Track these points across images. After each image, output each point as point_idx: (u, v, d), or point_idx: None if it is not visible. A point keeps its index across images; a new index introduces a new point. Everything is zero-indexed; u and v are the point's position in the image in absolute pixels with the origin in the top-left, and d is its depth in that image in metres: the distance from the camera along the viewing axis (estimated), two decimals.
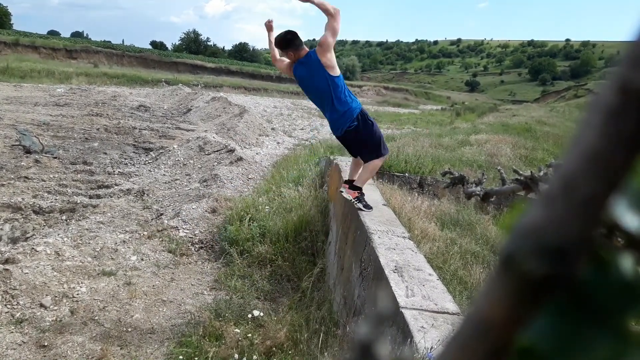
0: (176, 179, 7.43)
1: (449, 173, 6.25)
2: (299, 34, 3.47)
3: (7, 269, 3.75)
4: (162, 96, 20.62)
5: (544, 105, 45.31)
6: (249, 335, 3.24)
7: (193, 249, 4.93)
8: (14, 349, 3.11)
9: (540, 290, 0.21)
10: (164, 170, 7.94)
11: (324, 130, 16.29)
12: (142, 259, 4.59)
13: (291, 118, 19.12)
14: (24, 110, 12.51)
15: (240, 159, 8.00)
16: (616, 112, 0.20)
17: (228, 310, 3.60)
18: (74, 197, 6.17)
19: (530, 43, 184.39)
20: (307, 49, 3.45)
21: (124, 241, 4.91)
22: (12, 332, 3.26)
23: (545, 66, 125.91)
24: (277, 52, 3.56)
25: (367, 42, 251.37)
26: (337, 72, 3.35)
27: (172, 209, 5.87)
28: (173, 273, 4.40)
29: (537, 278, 0.20)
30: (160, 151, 9.10)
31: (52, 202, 5.86)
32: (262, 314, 3.57)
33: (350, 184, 3.63)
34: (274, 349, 3.09)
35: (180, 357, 3.11)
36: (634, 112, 0.19)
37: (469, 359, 0.22)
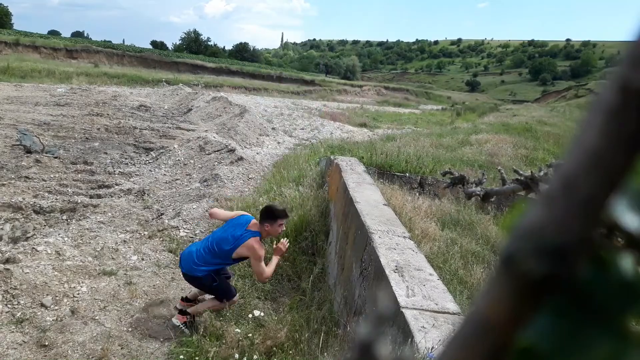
0: (177, 179, 7.43)
1: (449, 173, 6.25)
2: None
3: (7, 269, 3.75)
4: (163, 96, 20.63)
5: (545, 105, 45.30)
6: (250, 335, 3.24)
7: None
8: (15, 348, 3.12)
9: (540, 290, 0.21)
10: (165, 170, 7.95)
11: (324, 130, 16.30)
12: (143, 259, 4.59)
13: (291, 118, 19.12)
14: (24, 110, 12.52)
15: (240, 158, 8.00)
16: (616, 112, 0.20)
17: (229, 310, 3.60)
18: (75, 196, 6.17)
19: (531, 43, 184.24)
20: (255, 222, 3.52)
21: (125, 241, 4.91)
22: (13, 331, 3.26)
23: (546, 66, 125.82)
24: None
25: (367, 42, 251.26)
26: (260, 278, 3.49)
27: (173, 209, 5.87)
28: (174, 273, 4.40)
29: (537, 278, 0.21)
30: (161, 151, 9.10)
31: (52, 201, 5.86)
32: (262, 313, 3.57)
33: (184, 308, 3.61)
34: (275, 348, 3.09)
35: (181, 356, 3.11)
36: (634, 112, 0.19)
37: (470, 359, 0.22)
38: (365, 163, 6.08)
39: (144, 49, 51.93)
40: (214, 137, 9.55)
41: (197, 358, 3.06)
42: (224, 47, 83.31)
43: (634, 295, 0.22)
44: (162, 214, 5.74)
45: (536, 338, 0.22)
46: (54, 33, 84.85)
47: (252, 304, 3.79)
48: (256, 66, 56.32)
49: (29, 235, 4.96)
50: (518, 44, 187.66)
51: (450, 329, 1.97)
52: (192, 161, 8.30)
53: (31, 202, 5.69)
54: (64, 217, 5.58)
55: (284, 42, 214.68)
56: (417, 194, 5.92)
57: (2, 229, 4.96)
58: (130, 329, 3.47)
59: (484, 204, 5.66)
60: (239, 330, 3.30)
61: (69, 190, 6.46)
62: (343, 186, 4.32)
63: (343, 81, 61.66)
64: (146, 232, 5.18)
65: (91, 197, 6.35)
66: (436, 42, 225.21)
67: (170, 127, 12.44)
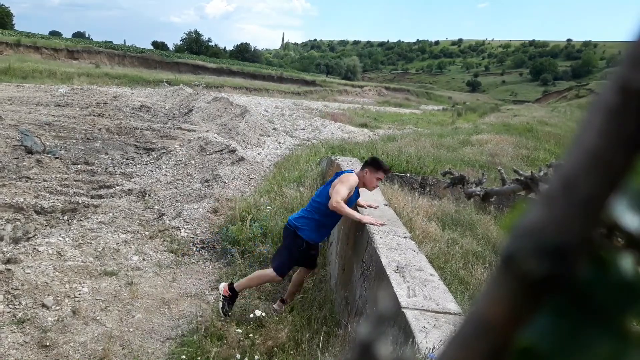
0: (178, 179, 7.43)
1: (449, 173, 6.25)
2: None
3: (9, 269, 3.75)
4: (164, 96, 20.64)
5: (546, 106, 45.24)
6: (251, 335, 3.24)
7: (194, 249, 4.93)
8: (16, 348, 3.12)
9: (540, 290, 0.21)
10: (166, 171, 7.95)
11: (325, 130, 16.29)
12: (144, 259, 4.60)
13: (292, 118, 19.12)
14: (25, 111, 12.54)
15: (241, 159, 8.01)
16: (616, 112, 0.20)
17: (230, 310, 3.60)
18: (76, 197, 6.18)
19: (532, 43, 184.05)
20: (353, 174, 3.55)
21: (126, 241, 4.92)
22: (14, 332, 3.27)
23: (547, 66, 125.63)
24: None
25: (368, 42, 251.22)
26: (330, 202, 3.38)
27: (174, 209, 5.87)
28: (174, 273, 4.41)
29: (537, 278, 0.21)
30: (162, 151, 9.11)
31: (53, 202, 5.87)
32: (263, 314, 3.57)
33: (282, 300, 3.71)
34: (276, 349, 3.09)
35: (183, 356, 3.11)
36: (634, 112, 0.19)
37: (470, 359, 0.22)
38: None
39: (145, 50, 51.96)
40: (215, 137, 9.56)
41: (198, 358, 3.06)
42: (225, 47, 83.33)
43: (634, 295, 0.22)
44: (163, 215, 5.74)
45: (536, 338, 0.22)
46: (55, 34, 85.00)
47: (253, 304, 3.79)
48: (257, 66, 56.34)
49: (30, 235, 4.96)
50: (519, 44, 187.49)
51: (451, 330, 1.96)
52: (193, 161, 8.31)
53: (32, 203, 5.69)
54: (65, 218, 5.59)
55: (284, 42, 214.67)
56: (418, 194, 5.92)
57: (3, 229, 4.96)
58: (131, 329, 3.48)
59: (484, 204, 5.66)
60: (240, 331, 3.30)
61: (70, 190, 6.47)
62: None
63: (344, 81, 61.66)
64: (147, 233, 5.18)
65: (92, 197, 6.36)
66: (437, 43, 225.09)
67: (171, 128, 12.45)
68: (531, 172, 4.62)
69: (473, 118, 25.27)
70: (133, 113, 14.57)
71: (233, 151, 8.36)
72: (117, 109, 14.86)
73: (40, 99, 15.17)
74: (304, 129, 16.18)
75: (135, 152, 9.37)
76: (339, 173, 3.57)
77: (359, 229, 3.34)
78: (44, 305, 3.56)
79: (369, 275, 2.83)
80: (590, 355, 0.22)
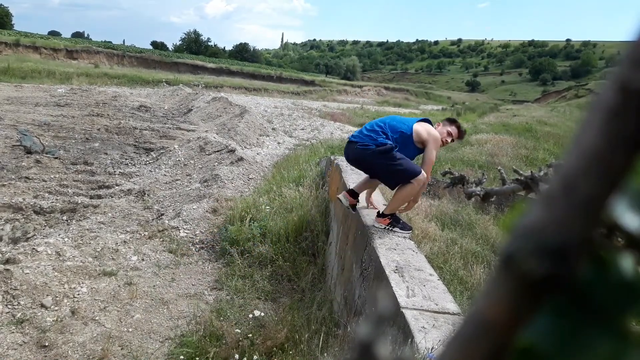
0: (177, 179, 7.43)
1: (449, 173, 6.25)
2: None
3: (7, 269, 3.75)
4: (163, 96, 20.63)
5: (545, 105, 45.29)
6: (250, 335, 3.24)
7: (194, 249, 4.93)
8: (15, 349, 3.12)
9: (540, 290, 0.21)
10: (165, 171, 7.95)
11: (324, 130, 16.29)
12: (143, 259, 4.59)
13: (292, 118, 19.11)
14: (24, 111, 12.52)
15: (240, 159, 8.00)
16: (616, 112, 0.20)
17: (229, 311, 3.60)
18: (75, 197, 6.17)
19: (531, 43, 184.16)
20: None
21: (125, 241, 4.91)
22: (13, 332, 3.26)
23: (546, 66, 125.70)
24: None
25: (367, 42, 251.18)
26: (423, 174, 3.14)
27: (173, 209, 5.87)
28: (174, 273, 4.40)
29: (537, 278, 0.21)
30: (161, 151, 9.10)
31: (52, 202, 5.86)
32: (262, 314, 3.57)
33: (381, 214, 3.24)
34: (275, 349, 3.09)
35: (182, 357, 3.11)
36: (634, 112, 0.19)
37: (470, 359, 0.22)
38: None
39: (144, 50, 51.96)
40: (214, 137, 9.55)
41: (197, 358, 3.06)
42: (224, 47, 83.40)
43: (634, 295, 0.22)
44: (162, 215, 5.73)
45: (536, 338, 0.22)
46: (54, 33, 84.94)
47: (252, 304, 3.79)
48: (256, 66, 56.35)
49: (29, 235, 4.96)
50: (518, 44, 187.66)
51: (451, 330, 1.96)
52: (192, 161, 8.30)
53: (31, 203, 5.69)
54: (64, 218, 5.58)
55: (284, 42, 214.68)
56: None
57: (2, 229, 4.96)
58: (130, 330, 3.47)
59: (484, 204, 5.66)
60: (239, 331, 3.30)
61: (69, 190, 6.46)
62: (343, 186, 4.31)
63: (343, 81, 61.64)
64: (146, 233, 5.18)
65: (91, 197, 6.35)
66: (436, 43, 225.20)
67: (170, 128, 12.44)
68: (531, 172, 4.62)
69: (472, 118, 25.28)
70: (132, 113, 14.56)
71: (232, 151, 8.35)
72: (116, 109, 14.84)
73: (39, 99, 15.16)
74: (303, 129, 16.17)
75: (134, 152, 9.36)
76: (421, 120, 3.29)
77: (359, 228, 3.34)
78: (42, 306, 3.56)
79: (368, 275, 2.83)
80: (590, 355, 0.22)
